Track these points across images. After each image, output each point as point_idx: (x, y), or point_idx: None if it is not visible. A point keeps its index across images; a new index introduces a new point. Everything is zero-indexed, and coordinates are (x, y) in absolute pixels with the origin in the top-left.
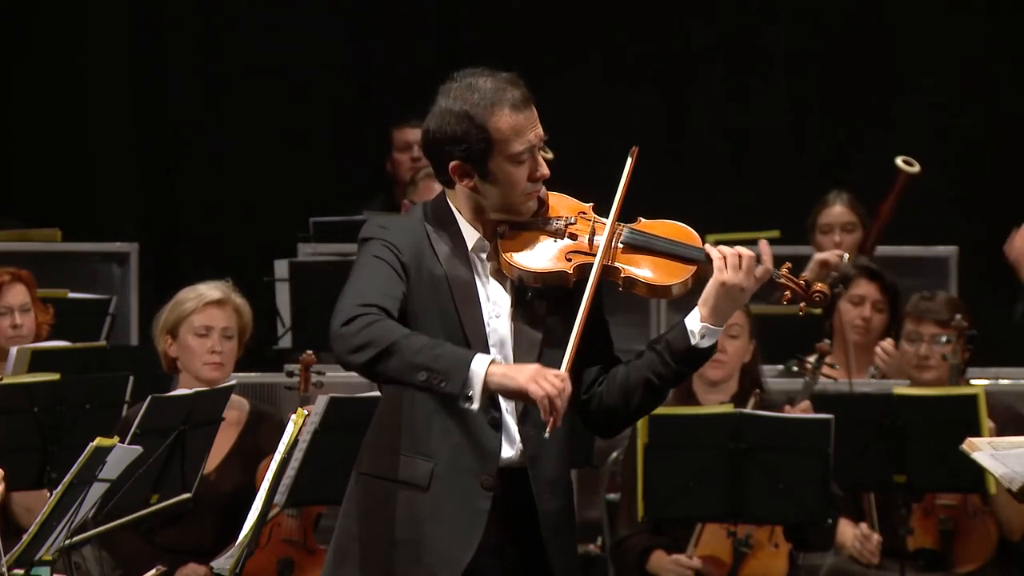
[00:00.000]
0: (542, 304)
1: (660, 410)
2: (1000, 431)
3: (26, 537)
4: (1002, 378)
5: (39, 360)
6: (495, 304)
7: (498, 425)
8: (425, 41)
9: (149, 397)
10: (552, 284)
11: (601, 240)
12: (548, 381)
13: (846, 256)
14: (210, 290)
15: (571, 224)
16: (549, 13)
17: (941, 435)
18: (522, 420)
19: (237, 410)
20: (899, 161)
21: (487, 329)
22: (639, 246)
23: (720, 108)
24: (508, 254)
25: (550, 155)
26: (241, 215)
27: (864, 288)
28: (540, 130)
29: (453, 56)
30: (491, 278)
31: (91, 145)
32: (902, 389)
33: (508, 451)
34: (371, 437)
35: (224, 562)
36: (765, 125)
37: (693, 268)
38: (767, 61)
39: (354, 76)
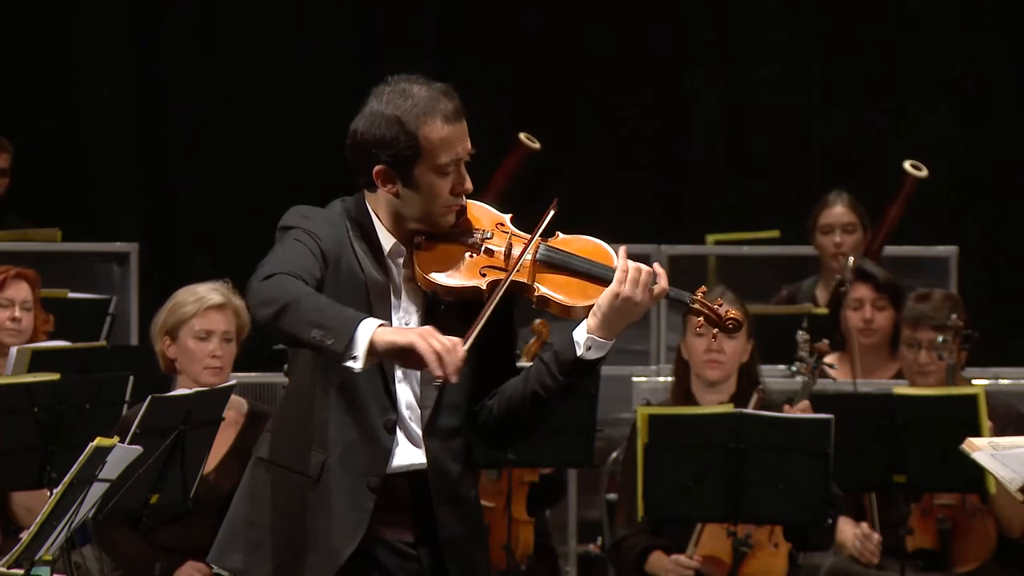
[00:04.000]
0: (454, 316)
1: (660, 410)
2: (1000, 431)
3: (26, 537)
4: (1002, 378)
5: (39, 360)
6: (405, 312)
7: (393, 428)
8: (426, 41)
9: (149, 397)
10: (466, 299)
11: (519, 253)
12: (438, 339)
13: (851, 260)
14: (210, 293)
15: (487, 238)
16: (548, 12)
17: (941, 435)
18: (427, 431)
19: (235, 410)
20: (907, 165)
21: None
22: (555, 264)
23: (720, 108)
24: (423, 266)
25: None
26: (241, 215)
27: (860, 291)
28: (468, 144)
29: (453, 56)
30: (404, 285)
31: (91, 145)
32: (902, 389)
33: (411, 457)
34: (274, 424)
35: None
36: (765, 125)
37: (602, 290)
38: (768, 60)
39: (355, 76)
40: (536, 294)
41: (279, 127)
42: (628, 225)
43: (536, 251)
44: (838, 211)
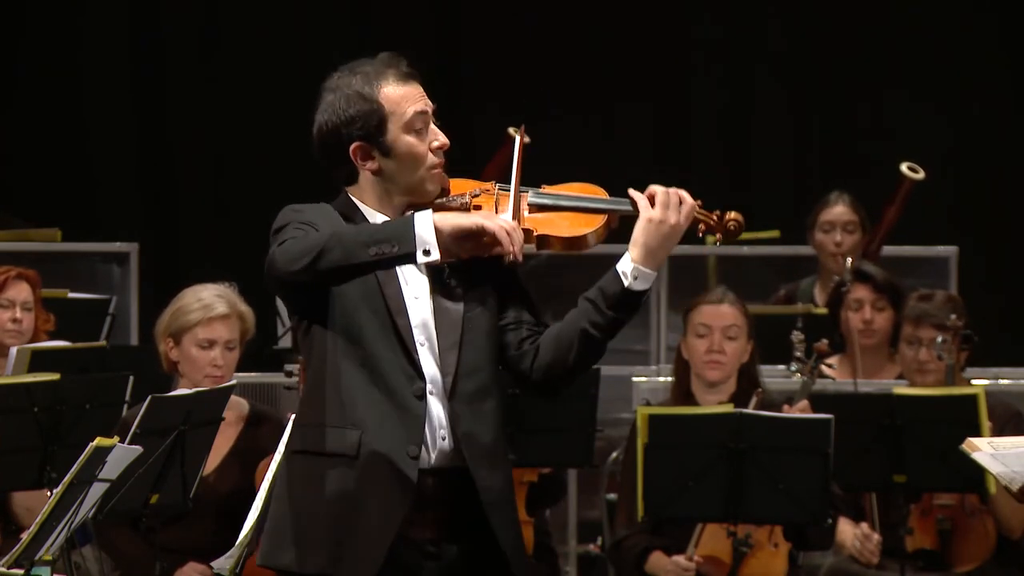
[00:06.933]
0: (459, 281)
1: (660, 410)
2: (999, 430)
3: (26, 537)
4: (1002, 378)
5: (39, 360)
6: (413, 286)
7: (423, 396)
8: (426, 41)
9: (149, 397)
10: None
11: (514, 163)
12: (501, 219)
13: (848, 261)
14: (216, 302)
15: (475, 196)
16: (548, 12)
17: (941, 435)
18: (451, 397)
19: (236, 410)
20: (904, 167)
21: (408, 310)
22: (546, 206)
23: (721, 108)
24: None
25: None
26: (241, 214)
27: (859, 292)
28: (428, 101)
29: (454, 56)
30: None
31: (91, 145)
32: (902, 389)
33: (436, 430)
34: (299, 417)
35: (224, 562)
36: (765, 125)
37: (603, 218)
38: (768, 60)
39: None
40: (535, 235)
41: (279, 127)
42: (628, 225)
43: (525, 198)
44: (839, 210)
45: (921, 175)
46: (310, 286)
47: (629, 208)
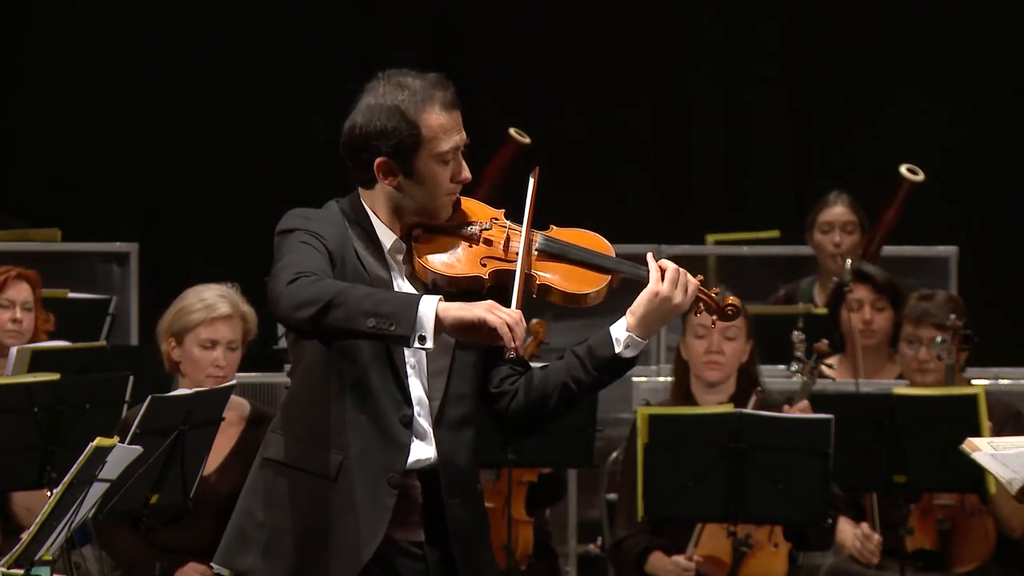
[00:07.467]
0: None
1: (660, 410)
2: (998, 429)
3: (26, 537)
4: (1002, 378)
5: (39, 360)
6: None
7: (409, 423)
8: (425, 41)
9: (149, 397)
10: (466, 289)
11: (520, 246)
12: (503, 311)
13: (848, 261)
14: (218, 302)
15: (486, 229)
16: (548, 12)
17: (941, 435)
18: (437, 423)
19: (237, 410)
20: (903, 169)
21: None
22: (554, 254)
23: (720, 108)
24: (423, 257)
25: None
26: (241, 214)
27: (859, 292)
28: (464, 134)
29: (454, 56)
30: (406, 280)
31: (91, 145)
32: (902, 389)
33: (421, 453)
34: (281, 423)
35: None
36: (765, 125)
37: (607, 278)
38: (768, 60)
39: (354, 76)
40: (537, 283)
41: (279, 127)
42: (628, 225)
43: (535, 242)
44: (838, 211)
45: (920, 177)
46: (308, 335)
47: (638, 274)
